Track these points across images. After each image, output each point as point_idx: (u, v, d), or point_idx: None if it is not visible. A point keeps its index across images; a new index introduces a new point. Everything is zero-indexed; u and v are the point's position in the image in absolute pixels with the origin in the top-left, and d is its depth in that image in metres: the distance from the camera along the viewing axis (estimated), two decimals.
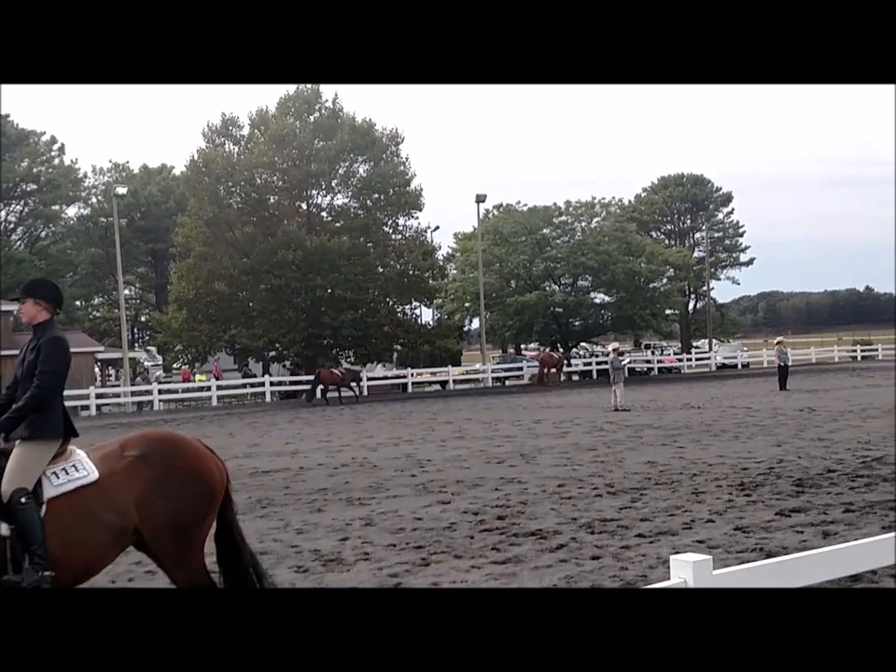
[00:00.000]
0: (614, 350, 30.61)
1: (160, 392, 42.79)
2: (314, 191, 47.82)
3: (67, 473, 5.70)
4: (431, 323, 56.07)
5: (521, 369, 53.78)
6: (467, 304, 60.12)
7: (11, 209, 59.99)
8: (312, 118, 47.09)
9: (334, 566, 9.03)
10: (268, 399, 43.70)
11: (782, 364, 34.60)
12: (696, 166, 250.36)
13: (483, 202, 54.42)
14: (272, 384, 44.92)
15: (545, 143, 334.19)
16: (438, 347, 51.30)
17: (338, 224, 47.56)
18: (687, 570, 3.70)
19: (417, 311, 57.73)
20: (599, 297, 60.21)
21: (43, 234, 62.39)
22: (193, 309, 45.84)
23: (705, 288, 74.86)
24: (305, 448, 20.50)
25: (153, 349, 65.42)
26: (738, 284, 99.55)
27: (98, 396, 40.87)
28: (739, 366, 62.33)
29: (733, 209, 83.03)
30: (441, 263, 55.98)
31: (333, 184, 47.71)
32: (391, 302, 49.64)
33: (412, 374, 48.92)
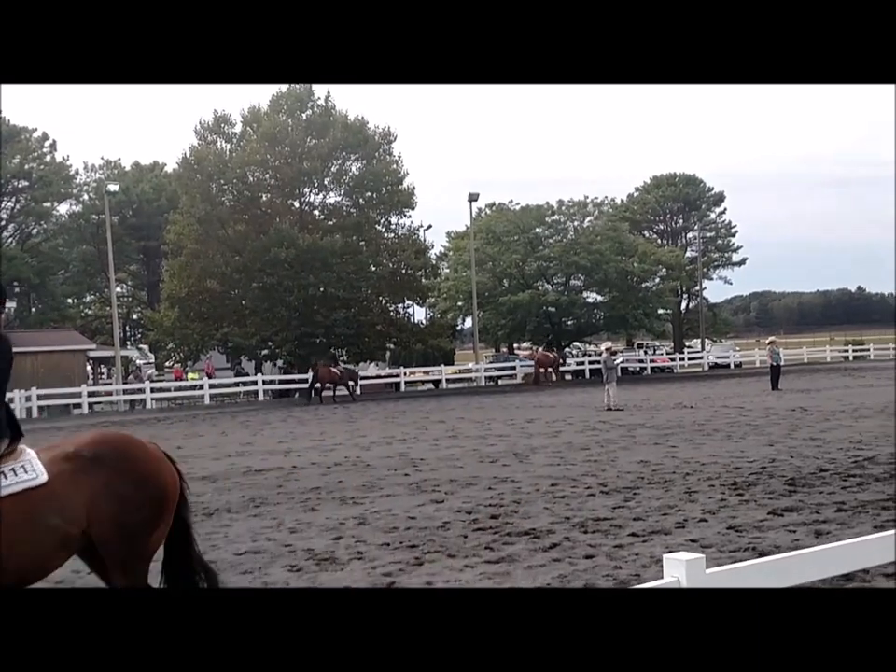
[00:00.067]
0: (607, 349, 30.67)
1: (152, 390, 42.73)
2: (306, 189, 47.74)
3: (15, 474, 5.39)
4: (424, 322, 56.08)
5: (514, 368, 53.80)
6: (459, 303, 60.12)
7: (2, 206, 59.77)
8: (304, 115, 47.02)
9: (328, 565, 9.03)
10: (261, 397, 43.65)
11: (774, 364, 34.69)
12: (689, 166, 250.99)
13: (476, 200, 54.44)
14: (264, 382, 44.90)
15: (538, 142, 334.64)
16: (431, 346, 51.27)
17: (330, 222, 47.49)
18: (680, 569, 3.71)
19: (410, 310, 57.75)
20: (592, 296, 60.30)
21: (34, 231, 62.18)
22: (185, 307, 45.74)
23: (697, 288, 74.96)
24: (298, 447, 20.49)
25: (145, 347, 65.27)
26: (730, 284, 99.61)
27: (90, 394, 40.78)
28: (731, 366, 62.46)
29: (725, 209, 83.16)
30: (434, 262, 55.94)
31: (326, 182, 47.63)
32: (384, 301, 49.60)
33: (404, 373, 48.91)
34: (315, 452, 19.31)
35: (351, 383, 40.54)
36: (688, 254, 76.13)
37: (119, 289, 61.13)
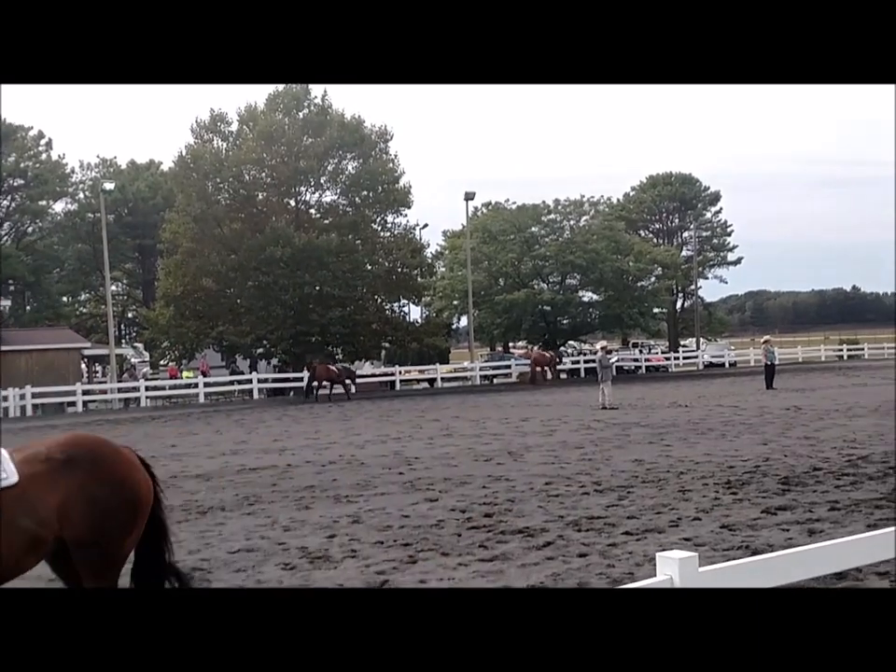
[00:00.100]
0: (602, 348, 30.70)
1: (146, 389, 42.67)
2: (302, 188, 47.70)
3: None
4: (419, 321, 56.09)
5: (509, 367, 53.83)
6: (455, 302, 60.13)
7: None
8: (301, 114, 46.96)
9: (321, 563, 9.03)
10: (255, 396, 43.63)
11: (769, 363, 34.74)
12: (685, 165, 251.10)
13: (472, 199, 54.43)
14: (259, 381, 44.86)
15: (534, 141, 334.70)
16: (426, 345, 51.25)
17: (326, 221, 47.45)
18: (673, 567, 3.71)
19: (406, 308, 57.74)
20: (587, 295, 60.35)
21: (30, 230, 62.11)
22: (181, 305, 45.68)
23: (692, 287, 75.01)
24: (293, 445, 20.48)
25: (140, 346, 65.15)
26: (726, 283, 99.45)
27: (84, 392, 40.69)
28: (726, 365, 62.55)
29: (721, 208, 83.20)
30: (430, 261, 55.93)
31: (322, 181, 47.59)
32: (379, 300, 49.57)
33: (400, 372, 48.90)
34: (310, 450, 19.31)
35: (348, 381, 40.55)
36: (683, 253, 76.19)
37: (114, 288, 61.10)
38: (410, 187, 48.61)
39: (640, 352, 66.16)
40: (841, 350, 70.36)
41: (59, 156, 62.15)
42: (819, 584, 6.93)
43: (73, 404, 39.23)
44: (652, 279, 61.65)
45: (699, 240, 77.87)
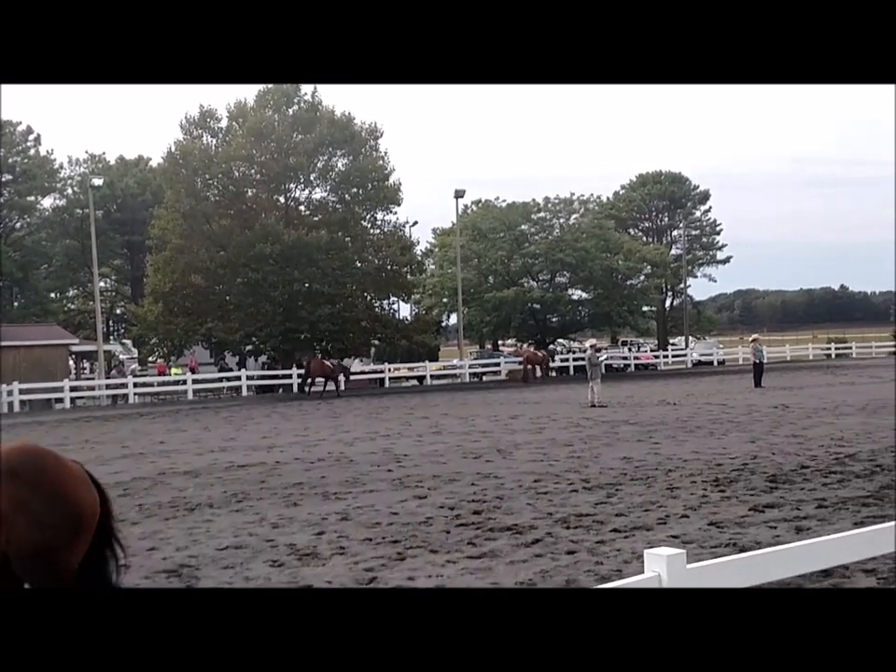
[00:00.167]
0: (591, 346, 30.74)
1: (135, 385, 42.54)
2: (292, 185, 47.60)
3: None
4: (409, 318, 55.98)
5: (498, 365, 53.86)
6: (445, 300, 60.11)
7: None
8: (290, 111, 46.86)
9: (310, 560, 9.02)
10: (244, 392, 43.55)
11: (757, 361, 34.85)
12: (674, 164, 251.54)
13: (462, 197, 54.40)
14: (248, 377, 44.78)
15: (524, 139, 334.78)
16: (415, 342, 51.22)
17: (316, 218, 47.35)
18: (661, 564, 3.72)
19: (395, 306, 57.59)
20: (577, 293, 60.42)
21: (18, 225, 61.80)
22: (169, 302, 45.55)
23: (682, 286, 75.14)
24: (281, 442, 20.45)
25: (128, 342, 64.92)
26: (715, 281, 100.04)
27: (72, 389, 40.54)
28: (715, 363, 62.67)
29: (710, 207, 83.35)
30: (420, 258, 55.86)
31: (312, 178, 47.50)
32: (369, 297, 49.50)
33: (389, 369, 48.88)
34: (299, 447, 19.29)
35: (342, 378, 40.62)
36: (673, 252, 76.33)
37: (102, 284, 60.88)
38: (400, 184, 48.61)
39: (629, 350, 66.22)
40: (829, 349, 70.59)
41: (47, 151, 61.91)
42: (806, 581, 6.95)
43: (61, 401, 39.08)
44: (642, 277, 61.75)
45: (688, 238, 78.03)
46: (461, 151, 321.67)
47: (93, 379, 47.06)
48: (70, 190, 63.76)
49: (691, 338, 73.09)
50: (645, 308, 64.26)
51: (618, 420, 22.56)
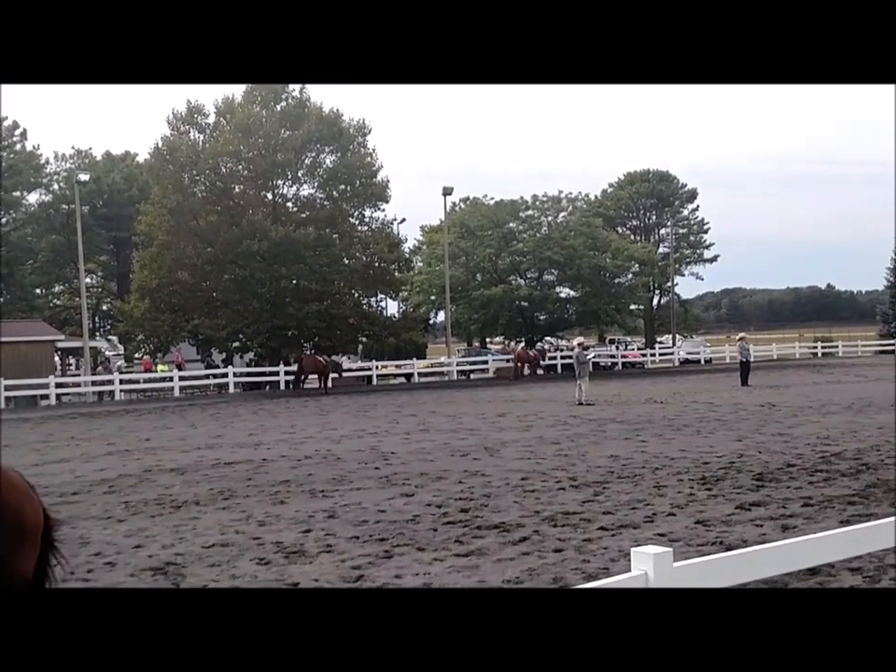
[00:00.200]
0: (579, 345, 30.77)
1: (121, 382, 42.38)
2: (279, 181, 47.51)
3: None
4: (397, 315, 55.96)
5: (486, 362, 53.88)
6: (432, 297, 60.11)
7: None
8: (278, 107, 46.76)
9: (297, 558, 9.00)
10: (231, 389, 43.46)
11: (744, 360, 34.96)
12: (662, 162, 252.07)
13: (450, 194, 54.41)
14: (235, 374, 44.69)
15: (512, 137, 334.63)
16: (403, 340, 51.21)
17: (304, 215, 47.27)
18: (648, 563, 3.72)
19: (383, 303, 57.65)
20: (565, 291, 60.50)
21: (3, 220, 61.38)
22: (156, 298, 45.41)
23: (669, 284, 75.34)
24: (268, 440, 20.41)
25: (114, 338, 64.72)
26: (702, 280, 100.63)
27: (58, 385, 40.38)
28: (702, 361, 62.86)
29: (698, 206, 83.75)
30: (408, 256, 55.87)
31: (299, 174, 47.42)
32: (356, 294, 49.44)
33: (376, 367, 48.85)
34: (286, 445, 19.25)
35: (335, 375, 40.63)
36: (660, 250, 76.57)
37: (88, 280, 60.54)
38: (388, 181, 48.57)
39: (617, 348, 66.35)
40: (815, 347, 70.91)
41: (33, 146, 61.56)
42: (792, 580, 6.98)
43: (46, 397, 38.93)
44: (629, 276, 61.91)
45: (676, 237, 78.25)
46: (449, 149, 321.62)
47: (79, 375, 46.88)
48: (56, 186, 63.41)
49: (678, 336, 73.31)
50: (632, 306, 64.49)
51: (605, 418, 22.59)
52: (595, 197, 73.16)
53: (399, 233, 52.90)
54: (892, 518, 4.82)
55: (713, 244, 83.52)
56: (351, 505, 11.78)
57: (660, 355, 65.43)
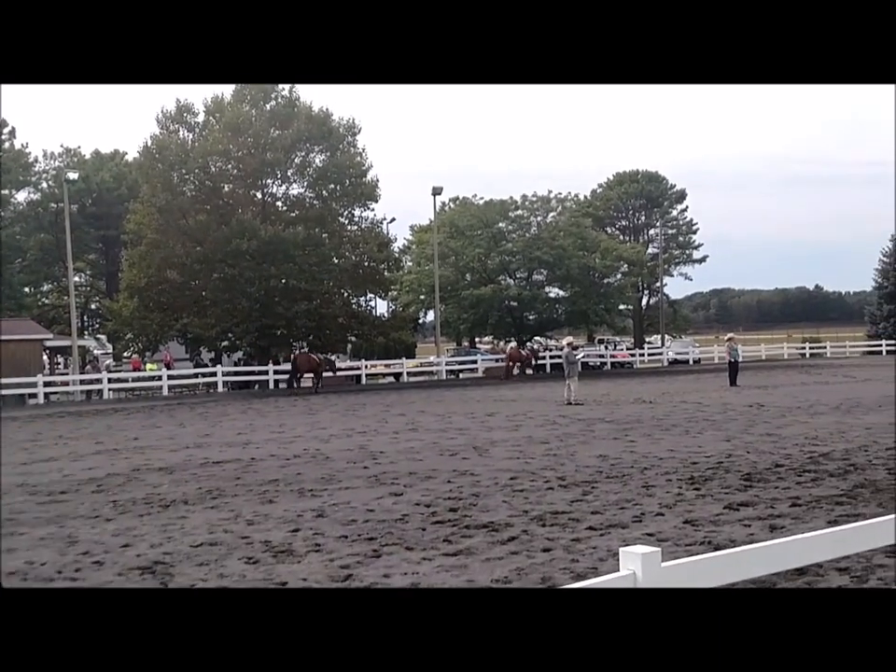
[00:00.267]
0: (568, 344, 30.79)
1: (109, 381, 42.25)
2: (269, 180, 47.40)
3: None
4: (386, 315, 55.92)
5: (475, 362, 53.89)
6: (422, 297, 60.10)
7: None
8: (268, 106, 46.66)
9: (285, 557, 8.99)
10: (220, 388, 43.36)
11: (732, 360, 35.04)
12: (651, 163, 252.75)
13: (440, 194, 54.40)
14: (224, 373, 44.60)
15: (502, 137, 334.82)
16: (392, 339, 51.14)
17: (293, 214, 47.19)
18: (636, 562, 3.73)
19: (372, 302, 57.56)
20: (554, 291, 60.56)
21: None
22: (144, 297, 45.28)
23: (658, 284, 75.51)
24: (257, 439, 20.37)
25: (103, 337, 64.47)
26: (691, 280, 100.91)
27: (46, 384, 40.23)
28: (691, 361, 63.00)
29: (687, 206, 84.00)
30: (397, 255, 55.83)
31: (289, 173, 47.32)
32: (346, 294, 49.38)
33: (366, 366, 48.81)
34: (275, 444, 19.22)
35: (329, 374, 40.58)
36: (649, 250, 76.76)
37: (77, 279, 60.35)
38: (377, 180, 48.51)
39: (606, 348, 66.46)
40: (804, 348, 71.12)
41: (22, 145, 61.26)
42: (780, 580, 7.00)
43: (34, 396, 38.79)
44: (618, 276, 62.02)
45: (665, 237, 78.43)
46: (440, 148, 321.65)
47: (68, 374, 46.71)
48: (45, 184, 63.14)
49: (667, 336, 73.47)
50: (621, 306, 64.60)
51: (594, 418, 22.62)
52: (585, 197, 73.31)
53: (388, 233, 52.92)
54: (880, 518, 4.84)
55: (702, 244, 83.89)
56: (339, 504, 11.76)
57: (649, 355, 65.57)
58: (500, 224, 59.22)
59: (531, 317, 59.81)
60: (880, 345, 67.05)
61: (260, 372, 44.46)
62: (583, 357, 49.59)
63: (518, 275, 59.78)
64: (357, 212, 48.98)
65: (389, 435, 20.32)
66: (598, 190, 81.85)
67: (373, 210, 49.58)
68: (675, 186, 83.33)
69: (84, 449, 19.43)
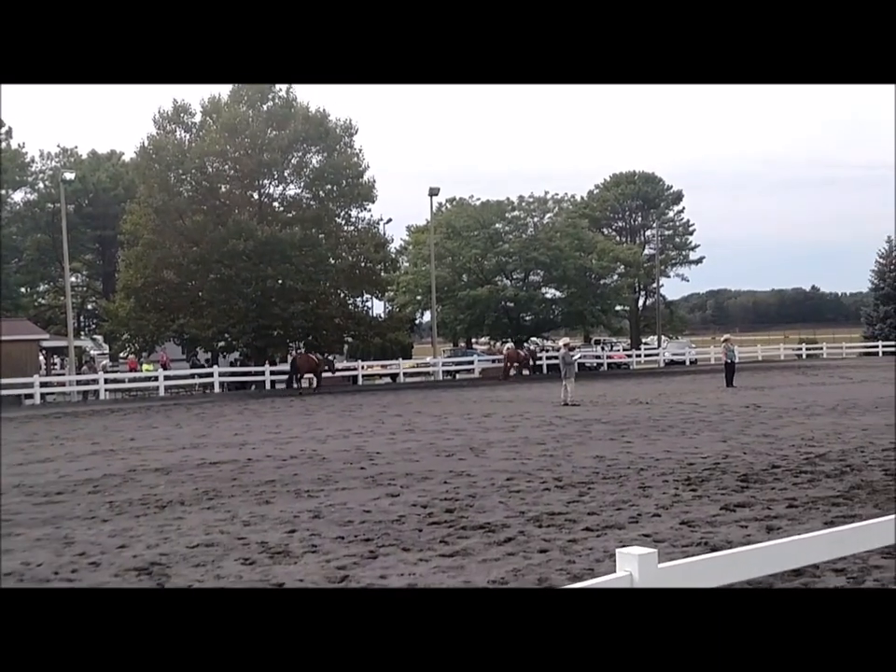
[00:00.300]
0: (565, 345, 30.79)
1: (106, 381, 42.21)
2: (265, 181, 47.41)
3: None
4: (382, 315, 55.92)
5: (471, 363, 53.90)
6: (418, 297, 60.12)
7: None
8: (265, 107, 46.67)
9: (281, 558, 8.98)
10: (216, 389, 43.33)
11: (729, 361, 35.05)
12: (651, 163, 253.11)
13: (437, 195, 54.36)
14: (220, 374, 44.57)
15: (499, 138, 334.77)
16: (389, 340, 51.15)
17: (290, 214, 47.19)
18: (633, 563, 3.72)
19: (369, 303, 57.56)
20: (550, 292, 60.63)
21: None
22: (141, 297, 45.25)
23: (654, 285, 75.63)
24: (254, 439, 20.36)
25: (99, 338, 64.43)
26: (687, 281, 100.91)
27: (43, 384, 40.18)
28: (687, 362, 63.05)
29: (683, 207, 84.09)
30: (394, 256, 55.80)
31: (286, 174, 47.33)
32: (342, 294, 49.38)
33: (362, 367, 48.80)
34: (271, 445, 19.20)
35: (328, 374, 40.56)
36: (646, 251, 76.87)
37: (73, 279, 60.28)
38: (374, 181, 48.56)
39: (602, 349, 66.51)
40: (800, 349, 71.23)
41: (18, 145, 61.19)
42: (777, 581, 7.00)
43: (31, 396, 38.74)
44: (615, 277, 62.10)
45: (661, 238, 78.56)
46: (437, 149, 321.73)
47: (64, 375, 46.66)
48: (41, 184, 63.10)
49: (663, 337, 73.57)
50: (618, 307, 64.63)
51: (590, 419, 22.62)
52: (581, 198, 73.37)
53: (385, 233, 52.83)
54: (877, 520, 4.84)
55: (698, 245, 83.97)
56: (336, 505, 11.76)
57: (645, 356, 65.60)
58: (497, 225, 59.26)
59: (528, 318, 59.85)
60: (876, 346, 67.17)
61: (257, 373, 44.44)
62: (580, 357, 49.62)
63: (515, 276, 59.83)
64: (353, 212, 49.05)
65: (386, 436, 20.31)
66: (595, 191, 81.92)
67: (370, 211, 49.72)
68: (671, 187, 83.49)
69: (80, 450, 19.41)
